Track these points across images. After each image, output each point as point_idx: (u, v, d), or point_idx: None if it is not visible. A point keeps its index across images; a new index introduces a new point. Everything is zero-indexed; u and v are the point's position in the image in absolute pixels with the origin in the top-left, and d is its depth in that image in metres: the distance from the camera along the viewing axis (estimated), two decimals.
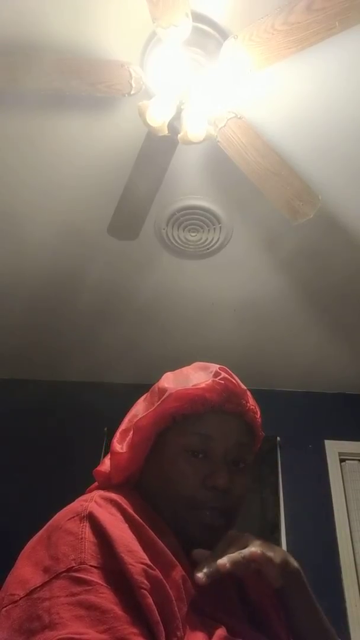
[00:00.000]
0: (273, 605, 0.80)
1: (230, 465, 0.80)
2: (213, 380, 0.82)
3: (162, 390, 0.83)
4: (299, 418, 2.96)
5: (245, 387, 0.86)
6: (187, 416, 0.80)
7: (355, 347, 2.78)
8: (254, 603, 0.80)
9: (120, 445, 0.83)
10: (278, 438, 2.84)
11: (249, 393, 0.87)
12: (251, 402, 0.86)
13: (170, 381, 0.86)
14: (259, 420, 0.87)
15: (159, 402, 0.81)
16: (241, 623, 0.73)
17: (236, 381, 0.85)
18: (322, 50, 1.49)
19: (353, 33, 1.40)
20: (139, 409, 0.89)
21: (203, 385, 0.81)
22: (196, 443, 0.79)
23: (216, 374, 0.85)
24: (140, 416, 0.82)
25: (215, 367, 0.88)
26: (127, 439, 0.84)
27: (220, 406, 0.81)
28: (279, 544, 2.55)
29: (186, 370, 0.90)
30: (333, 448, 2.85)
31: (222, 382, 0.82)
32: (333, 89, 1.65)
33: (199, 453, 0.79)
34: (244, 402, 0.84)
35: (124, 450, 0.82)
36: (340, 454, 2.84)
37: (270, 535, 2.54)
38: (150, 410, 0.81)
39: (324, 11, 1.26)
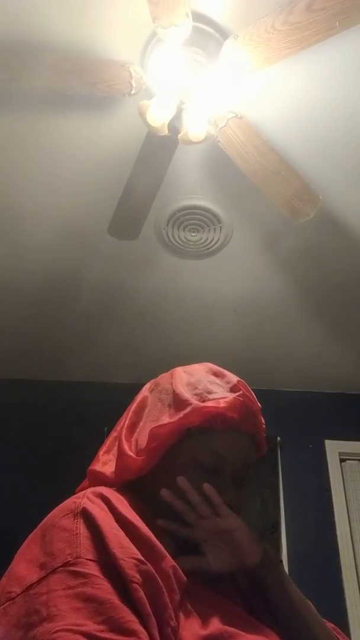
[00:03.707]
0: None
1: (236, 482, 0.82)
2: (234, 398, 0.82)
3: (182, 402, 0.82)
4: (299, 418, 2.95)
5: (259, 404, 0.86)
6: (203, 430, 0.80)
7: (355, 346, 2.78)
8: (242, 585, 0.82)
9: (128, 443, 0.83)
10: (278, 438, 2.84)
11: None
12: (263, 420, 0.87)
13: (185, 387, 0.85)
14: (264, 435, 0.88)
15: (181, 415, 0.80)
16: (236, 609, 0.74)
17: (254, 398, 0.86)
18: (323, 50, 1.49)
19: (353, 33, 1.40)
20: (150, 406, 0.88)
21: (224, 403, 0.81)
22: (209, 460, 0.80)
23: (235, 389, 0.85)
24: (157, 423, 0.82)
25: (232, 378, 0.87)
26: (134, 438, 0.84)
27: (237, 426, 0.81)
28: (279, 544, 2.55)
29: (198, 372, 0.89)
30: (333, 448, 2.85)
31: (242, 399, 0.82)
32: (333, 88, 1.65)
33: (209, 468, 0.80)
34: (258, 421, 0.85)
35: (135, 453, 0.81)
36: (340, 453, 2.84)
37: (270, 536, 2.54)
38: (172, 421, 0.80)
39: (324, 11, 1.26)
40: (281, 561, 2.48)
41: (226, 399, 0.82)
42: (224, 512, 0.77)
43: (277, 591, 0.77)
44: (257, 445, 0.86)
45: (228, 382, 0.86)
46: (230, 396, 0.82)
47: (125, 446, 0.82)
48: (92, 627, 0.54)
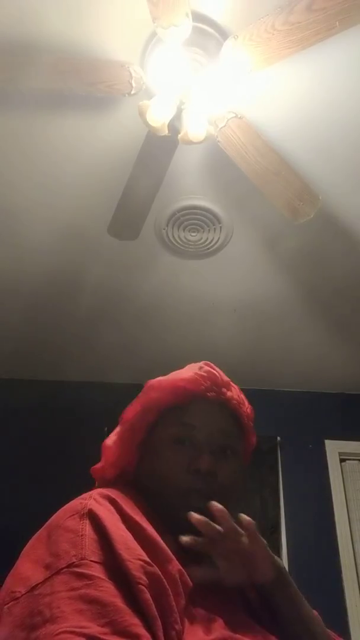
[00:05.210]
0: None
1: (217, 452, 0.82)
2: (195, 373, 0.85)
3: (146, 384, 0.87)
4: (299, 418, 2.95)
5: (228, 379, 0.89)
6: (172, 408, 0.84)
7: (355, 346, 2.78)
8: (253, 600, 0.81)
9: (110, 440, 0.86)
10: (278, 438, 2.84)
11: (233, 385, 0.89)
12: (235, 393, 0.88)
13: (157, 378, 0.89)
14: (246, 411, 0.89)
15: (141, 393, 0.85)
16: (240, 616, 0.74)
17: (219, 373, 0.88)
18: (323, 50, 1.49)
19: (353, 33, 1.40)
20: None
21: (184, 376, 0.85)
22: (181, 432, 0.82)
23: (199, 368, 0.88)
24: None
25: (204, 364, 0.90)
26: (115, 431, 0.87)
27: (202, 396, 0.84)
28: (279, 544, 2.55)
29: (178, 370, 0.92)
30: (333, 448, 2.85)
31: (205, 374, 0.85)
32: (333, 88, 1.65)
33: (184, 441, 0.81)
34: (225, 390, 0.86)
35: (111, 443, 0.85)
36: (340, 453, 2.84)
37: (270, 535, 2.54)
38: (134, 401, 0.85)
39: (324, 11, 1.26)
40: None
41: (188, 374, 0.85)
42: (252, 536, 0.76)
43: (286, 608, 0.77)
44: (233, 414, 0.86)
45: (195, 366, 0.89)
46: (193, 372, 0.86)
47: (107, 441, 0.86)
48: (95, 629, 0.53)
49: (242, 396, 0.90)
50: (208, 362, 0.90)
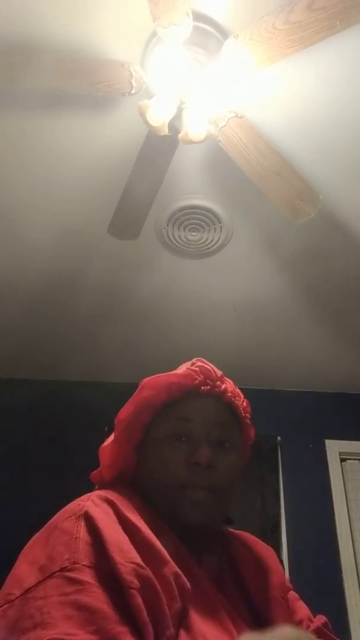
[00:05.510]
0: (277, 601, 0.80)
1: (215, 444, 0.81)
2: (187, 368, 0.85)
3: (140, 384, 0.86)
4: (299, 418, 2.96)
5: (222, 373, 0.88)
6: (166, 405, 0.83)
7: (355, 346, 2.78)
8: (257, 600, 0.80)
9: (106, 443, 0.86)
10: (278, 438, 2.84)
11: (227, 379, 0.89)
12: (230, 386, 0.88)
13: (150, 377, 0.88)
14: (242, 403, 0.88)
15: (135, 393, 0.84)
16: (241, 619, 0.73)
17: (211, 367, 0.88)
18: (323, 49, 1.49)
19: (354, 32, 1.40)
20: None
21: (177, 373, 0.84)
22: (177, 427, 0.81)
23: (192, 364, 0.88)
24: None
25: (197, 361, 0.90)
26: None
27: (195, 390, 0.83)
28: (279, 543, 2.55)
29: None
30: (333, 448, 2.85)
31: (197, 369, 0.85)
32: (334, 88, 1.65)
33: (181, 437, 0.81)
34: (219, 383, 0.86)
35: (107, 446, 0.84)
36: (340, 453, 2.84)
37: (270, 535, 2.54)
38: (128, 401, 0.84)
39: (325, 10, 1.25)
40: (281, 561, 2.48)
41: (178, 372, 0.85)
42: None
43: None
44: (229, 407, 0.86)
45: (192, 364, 0.89)
46: (185, 368, 0.85)
47: (104, 444, 0.86)
48: (83, 636, 0.53)
49: (238, 390, 0.90)
50: (200, 358, 0.89)
